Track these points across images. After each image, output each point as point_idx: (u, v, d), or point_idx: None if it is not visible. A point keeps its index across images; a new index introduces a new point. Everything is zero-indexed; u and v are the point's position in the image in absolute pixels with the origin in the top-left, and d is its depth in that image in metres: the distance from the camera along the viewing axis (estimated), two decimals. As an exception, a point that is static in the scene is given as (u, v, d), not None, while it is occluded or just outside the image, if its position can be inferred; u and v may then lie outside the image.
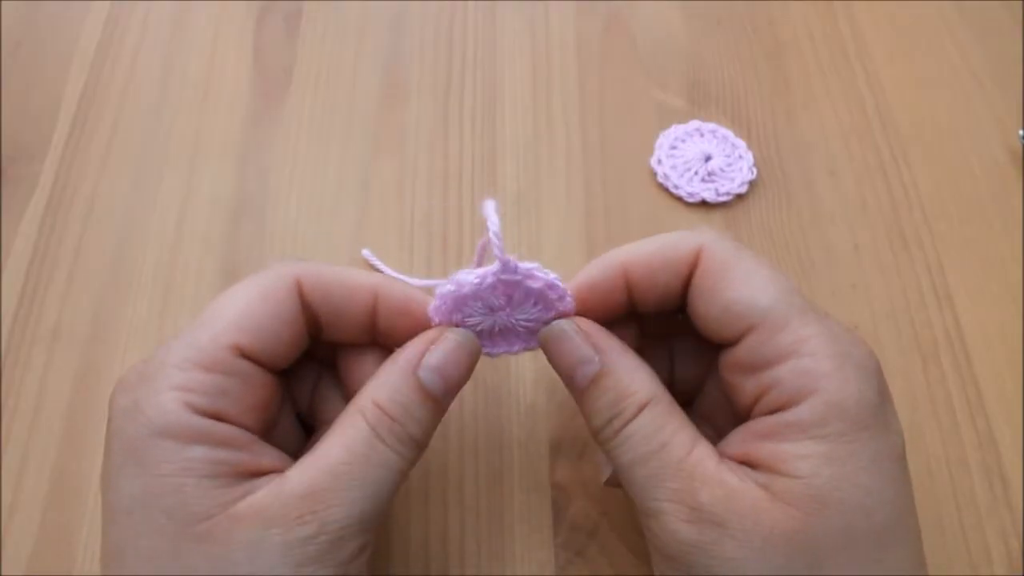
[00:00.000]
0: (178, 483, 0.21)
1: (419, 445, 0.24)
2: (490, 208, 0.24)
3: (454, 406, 0.33)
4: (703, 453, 0.23)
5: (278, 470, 0.23)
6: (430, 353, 0.24)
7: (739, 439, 0.24)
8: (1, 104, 0.41)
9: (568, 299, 0.26)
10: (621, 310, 0.26)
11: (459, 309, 0.26)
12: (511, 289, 0.25)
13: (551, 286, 0.25)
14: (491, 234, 0.24)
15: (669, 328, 0.28)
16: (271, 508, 0.21)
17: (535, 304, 0.26)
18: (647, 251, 0.26)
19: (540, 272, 0.25)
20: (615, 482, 0.27)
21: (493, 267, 0.25)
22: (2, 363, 0.34)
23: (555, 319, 0.26)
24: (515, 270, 0.24)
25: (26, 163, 0.39)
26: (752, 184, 0.39)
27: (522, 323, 0.26)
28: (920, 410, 0.34)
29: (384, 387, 0.24)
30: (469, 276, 0.25)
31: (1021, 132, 0.41)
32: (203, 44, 0.43)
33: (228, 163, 0.39)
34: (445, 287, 0.25)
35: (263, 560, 0.21)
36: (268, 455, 0.23)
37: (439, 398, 0.24)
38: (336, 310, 0.26)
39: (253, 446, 0.23)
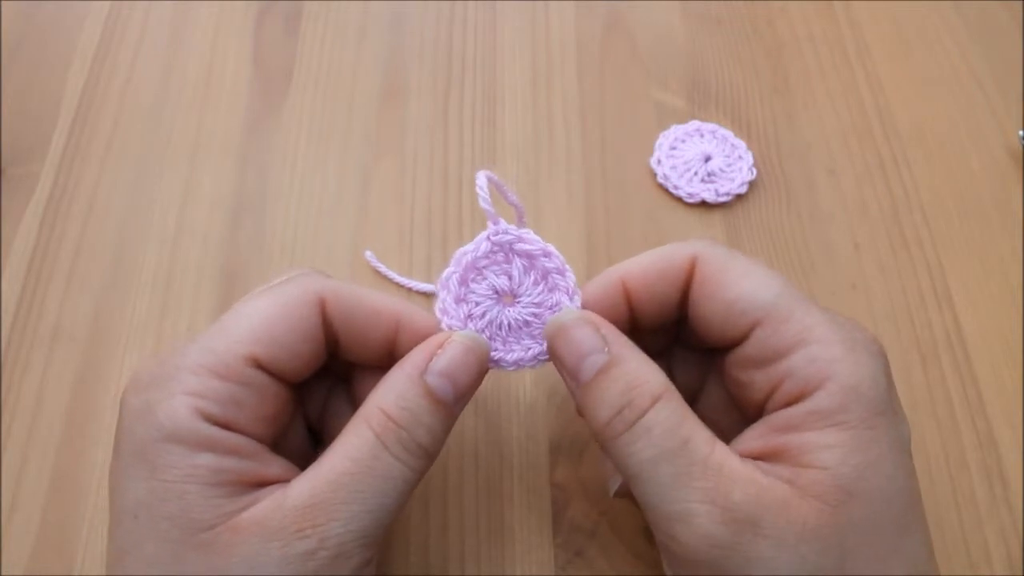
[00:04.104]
0: (182, 489, 0.21)
1: (428, 454, 0.23)
2: (480, 177, 0.25)
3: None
4: (725, 450, 0.22)
5: (284, 481, 0.22)
6: (437, 357, 0.24)
7: (756, 434, 0.24)
8: (1, 104, 0.41)
9: (569, 274, 0.26)
10: (624, 326, 0.26)
11: (465, 297, 0.26)
12: (508, 260, 0.26)
13: (547, 253, 0.26)
14: (480, 199, 0.25)
15: (666, 342, 0.28)
16: (271, 521, 0.21)
17: (537, 284, 0.26)
18: (644, 264, 0.26)
19: (534, 237, 0.26)
20: (624, 492, 0.26)
21: (485, 232, 0.26)
22: (2, 363, 0.34)
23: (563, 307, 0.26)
24: (506, 230, 0.26)
25: (26, 163, 0.39)
26: (752, 184, 0.39)
27: (531, 310, 0.26)
28: (920, 410, 0.34)
29: (390, 394, 0.23)
30: (464, 248, 0.26)
31: (1021, 132, 0.41)
32: (203, 44, 0.43)
33: (228, 163, 0.39)
34: (446, 271, 0.26)
35: (263, 574, 0.20)
36: (275, 466, 0.23)
37: (449, 404, 0.24)
38: (357, 333, 0.25)
39: (261, 456, 0.23)
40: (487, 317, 0.26)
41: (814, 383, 0.22)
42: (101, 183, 0.38)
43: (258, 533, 0.21)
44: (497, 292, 0.27)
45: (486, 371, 0.26)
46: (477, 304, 0.26)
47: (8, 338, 0.34)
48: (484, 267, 0.26)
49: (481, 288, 0.26)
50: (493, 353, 0.26)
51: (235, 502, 0.21)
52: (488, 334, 0.26)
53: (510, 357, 0.26)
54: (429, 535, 0.31)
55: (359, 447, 0.22)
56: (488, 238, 0.26)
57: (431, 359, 0.24)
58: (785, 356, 0.23)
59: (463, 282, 0.26)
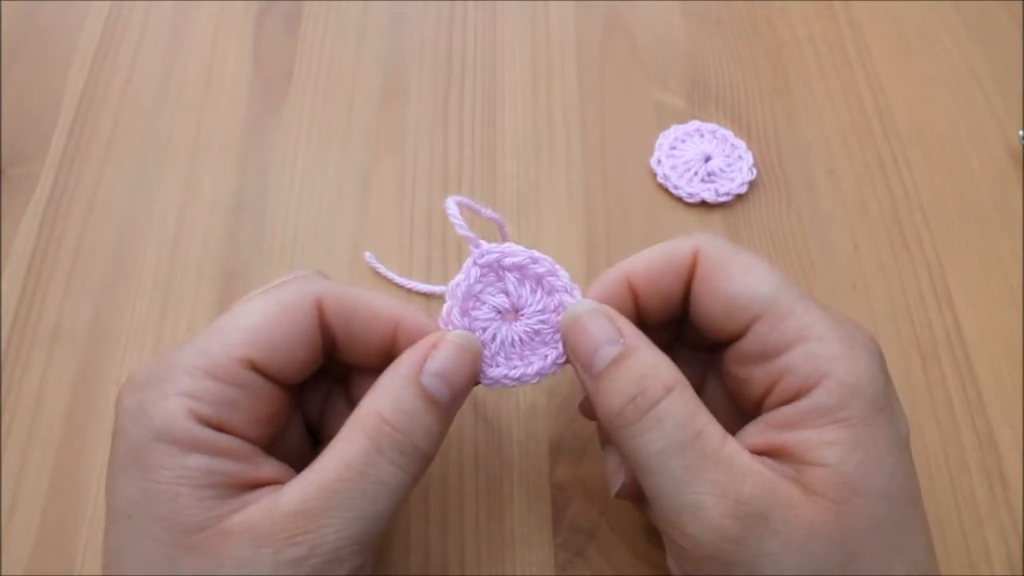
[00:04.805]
0: (174, 491, 0.21)
1: (425, 456, 0.23)
2: (450, 204, 0.26)
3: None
4: (735, 444, 0.22)
5: (278, 483, 0.22)
6: (431, 358, 0.24)
7: (757, 431, 0.24)
8: (1, 104, 0.41)
9: (563, 274, 0.26)
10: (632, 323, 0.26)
11: (470, 327, 0.26)
12: (501, 277, 0.26)
13: (535, 260, 0.26)
14: (456, 227, 0.25)
15: (668, 340, 0.28)
16: (262, 526, 0.21)
17: (535, 291, 0.26)
18: (647, 260, 0.26)
19: (518, 248, 0.26)
20: (626, 493, 0.26)
21: (470, 258, 0.26)
22: (2, 363, 0.34)
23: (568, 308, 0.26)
24: (489, 250, 0.26)
25: (26, 163, 0.39)
26: (752, 184, 0.39)
27: (537, 319, 0.26)
28: (920, 410, 0.34)
29: (386, 397, 0.23)
30: (456, 280, 0.26)
31: (1021, 132, 0.41)
32: (203, 44, 0.43)
33: (228, 163, 0.39)
34: (445, 306, 0.26)
35: None
36: (269, 468, 0.23)
37: (445, 404, 0.24)
38: (355, 336, 0.25)
39: (254, 458, 0.23)
40: (498, 339, 0.26)
41: (812, 380, 0.22)
42: (101, 183, 0.38)
43: (249, 537, 0.21)
44: (499, 312, 0.26)
45: (478, 371, 0.26)
46: (484, 330, 0.26)
47: (8, 338, 0.34)
48: (479, 292, 0.26)
49: (483, 313, 0.26)
50: (513, 371, 0.26)
51: (226, 504, 0.21)
52: (503, 355, 0.26)
53: (531, 369, 0.26)
54: (429, 535, 0.31)
55: (353, 453, 0.22)
56: (475, 263, 0.26)
57: (425, 360, 0.24)
58: (783, 352, 0.23)
59: (464, 313, 0.26)
